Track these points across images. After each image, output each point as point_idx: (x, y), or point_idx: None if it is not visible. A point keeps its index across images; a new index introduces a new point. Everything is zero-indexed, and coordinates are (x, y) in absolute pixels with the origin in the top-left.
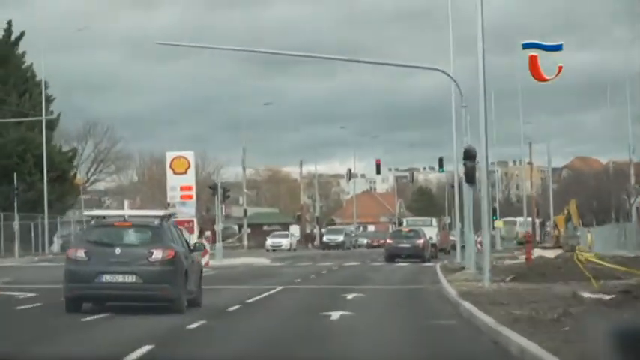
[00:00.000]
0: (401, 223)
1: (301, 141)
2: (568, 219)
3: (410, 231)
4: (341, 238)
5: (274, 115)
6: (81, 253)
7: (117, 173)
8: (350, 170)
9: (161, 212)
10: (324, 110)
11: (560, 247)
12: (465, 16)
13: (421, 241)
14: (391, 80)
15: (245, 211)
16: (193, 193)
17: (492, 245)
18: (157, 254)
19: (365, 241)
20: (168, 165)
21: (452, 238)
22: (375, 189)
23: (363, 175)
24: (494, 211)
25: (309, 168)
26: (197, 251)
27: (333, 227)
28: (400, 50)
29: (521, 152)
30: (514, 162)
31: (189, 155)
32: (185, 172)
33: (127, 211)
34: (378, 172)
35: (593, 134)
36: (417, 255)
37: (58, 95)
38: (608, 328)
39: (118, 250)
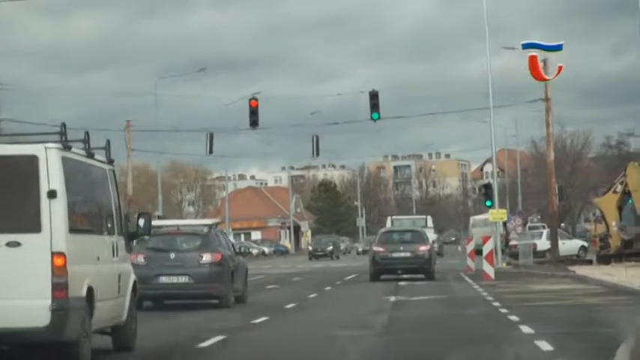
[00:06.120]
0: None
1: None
2: (622, 202)
3: (407, 232)
4: None
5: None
6: (141, 258)
7: None
8: (211, 135)
9: (209, 221)
10: (233, 119)
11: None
12: (379, 24)
13: (426, 247)
14: (301, 88)
15: None
16: None
17: (492, 251)
18: (207, 257)
19: None
20: None
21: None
22: None
23: (252, 177)
24: (487, 190)
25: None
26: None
27: None
28: (317, 58)
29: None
30: (429, 155)
31: None
32: None
33: (179, 221)
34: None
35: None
36: (420, 269)
37: None
38: None
39: (172, 255)
